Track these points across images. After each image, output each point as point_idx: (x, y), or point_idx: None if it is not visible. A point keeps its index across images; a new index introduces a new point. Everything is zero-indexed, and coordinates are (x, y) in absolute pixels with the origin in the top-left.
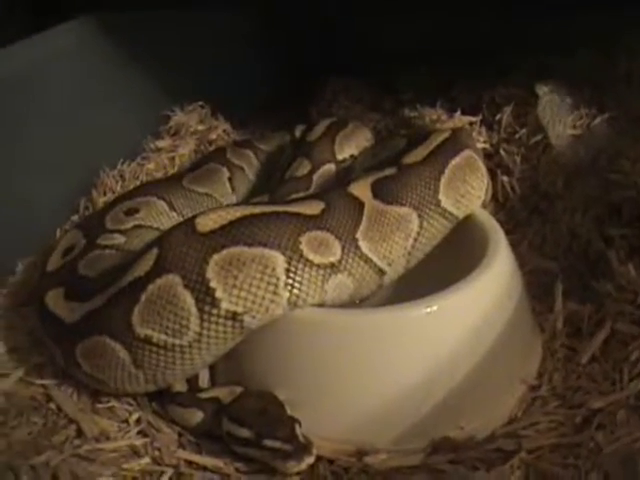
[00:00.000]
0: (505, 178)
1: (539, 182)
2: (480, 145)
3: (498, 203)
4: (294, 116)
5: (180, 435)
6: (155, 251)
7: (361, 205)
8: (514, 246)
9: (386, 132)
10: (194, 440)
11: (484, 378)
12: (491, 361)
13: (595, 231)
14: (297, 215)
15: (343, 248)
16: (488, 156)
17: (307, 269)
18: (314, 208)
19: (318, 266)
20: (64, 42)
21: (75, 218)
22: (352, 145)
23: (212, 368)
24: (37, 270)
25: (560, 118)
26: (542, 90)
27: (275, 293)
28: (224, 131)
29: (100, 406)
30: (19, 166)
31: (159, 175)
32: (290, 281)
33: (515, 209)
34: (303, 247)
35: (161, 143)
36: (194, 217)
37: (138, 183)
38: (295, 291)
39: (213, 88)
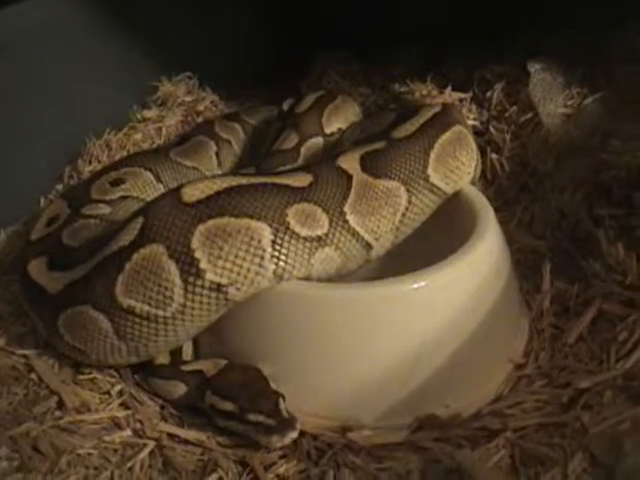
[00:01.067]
0: (494, 156)
1: (528, 160)
2: (470, 122)
3: (487, 181)
4: (283, 90)
5: (162, 408)
6: (140, 220)
7: (349, 178)
8: (502, 224)
9: (376, 107)
10: (176, 413)
11: (471, 356)
12: (478, 339)
13: (584, 210)
14: (285, 187)
15: (330, 221)
16: (478, 133)
17: (294, 242)
18: (302, 180)
19: (305, 239)
20: (50, 9)
21: (60, 187)
22: (340, 119)
23: (196, 341)
24: (20, 239)
25: (551, 96)
26: (534, 68)
27: (261, 265)
28: (212, 102)
29: (82, 377)
30: (3, 134)
31: (146, 145)
32: (276, 253)
33: (504, 187)
34: (290, 219)
35: (148, 113)
36: (180, 187)
37: (125, 153)
38: (281, 264)
39: (202, 59)
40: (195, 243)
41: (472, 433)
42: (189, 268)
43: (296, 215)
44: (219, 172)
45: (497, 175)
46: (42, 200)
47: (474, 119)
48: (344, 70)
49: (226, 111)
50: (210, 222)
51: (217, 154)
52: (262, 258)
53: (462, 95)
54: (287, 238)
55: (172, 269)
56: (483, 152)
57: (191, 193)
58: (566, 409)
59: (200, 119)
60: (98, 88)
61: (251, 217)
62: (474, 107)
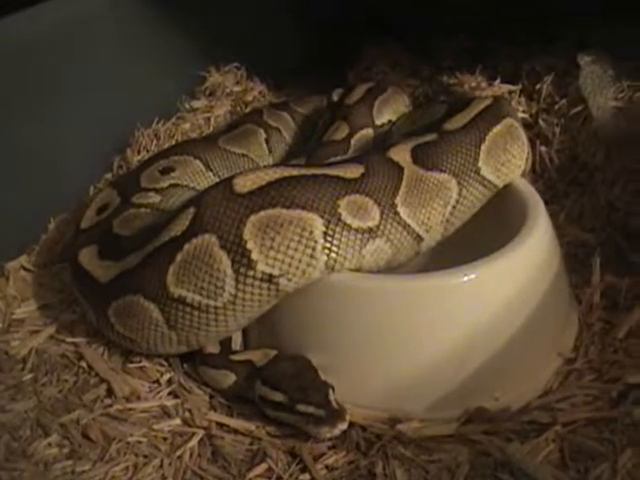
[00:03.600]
0: (543, 149)
1: (578, 153)
2: (519, 115)
3: (536, 174)
4: (331, 80)
5: (211, 397)
6: (192, 210)
7: (400, 170)
8: (551, 217)
9: (424, 99)
10: (225, 402)
11: (520, 349)
12: (528, 332)
13: (634, 204)
14: (336, 178)
15: (382, 213)
16: (527, 126)
17: (345, 233)
18: (353, 172)
19: (356, 230)
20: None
21: (109, 176)
22: (390, 110)
23: (245, 331)
24: (69, 228)
25: (602, 89)
26: (584, 60)
27: (312, 256)
28: (260, 93)
29: (131, 366)
30: (53, 124)
31: (194, 135)
32: (328, 245)
33: (553, 180)
34: (342, 211)
35: (197, 103)
36: (232, 177)
37: (173, 142)
38: (332, 255)
39: (250, 50)
40: (247, 234)
41: (521, 427)
42: (241, 259)
43: (348, 206)
44: (270, 159)
45: (546, 168)
46: (91, 189)
47: (523, 112)
48: (392, 61)
49: (274, 101)
50: (262, 213)
51: (267, 141)
52: (314, 249)
53: (511, 87)
54: (339, 229)
55: (224, 259)
56: (532, 145)
57: (243, 183)
58: (616, 404)
59: (248, 109)
60: (147, 78)
61: (303, 208)
62: (523, 99)
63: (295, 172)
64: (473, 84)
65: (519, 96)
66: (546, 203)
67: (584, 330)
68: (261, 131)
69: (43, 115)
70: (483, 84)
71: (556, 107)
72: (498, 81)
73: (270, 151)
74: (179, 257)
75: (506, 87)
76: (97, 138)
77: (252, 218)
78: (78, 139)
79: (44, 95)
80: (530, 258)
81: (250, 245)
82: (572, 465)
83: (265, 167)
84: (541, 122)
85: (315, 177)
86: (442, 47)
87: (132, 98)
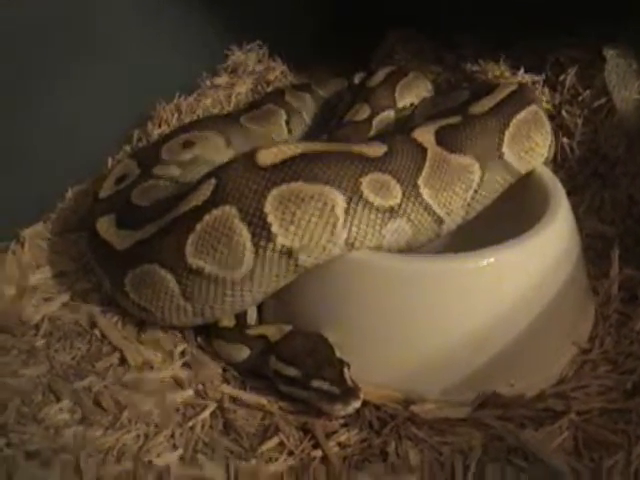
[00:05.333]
0: (565, 140)
1: (600, 145)
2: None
3: (557, 164)
4: (353, 64)
5: (225, 370)
6: (213, 181)
7: (424, 151)
8: (571, 209)
9: (447, 85)
10: (238, 376)
11: (537, 336)
12: (545, 319)
13: None
14: (359, 156)
15: (404, 193)
16: (550, 117)
17: (367, 211)
18: (377, 150)
19: (378, 209)
20: None
21: (127, 148)
22: (412, 94)
23: (261, 306)
24: (86, 198)
25: (626, 83)
26: (609, 54)
27: (333, 233)
28: (282, 73)
29: (145, 336)
30: (75, 94)
31: (215, 111)
32: (349, 222)
33: (574, 171)
34: (364, 188)
35: (218, 80)
36: (254, 150)
37: (194, 118)
38: (353, 232)
39: (273, 29)
40: (268, 207)
41: (535, 413)
42: (261, 232)
43: (370, 184)
44: (289, 140)
45: (567, 159)
46: (110, 161)
47: (546, 102)
48: (415, 47)
49: (296, 81)
50: (284, 186)
51: (287, 122)
52: (334, 226)
53: (535, 77)
54: (360, 207)
55: (243, 232)
56: (555, 136)
57: (265, 157)
58: (631, 395)
59: (270, 88)
60: (169, 54)
61: (325, 184)
62: (547, 90)
63: (318, 147)
64: (497, 73)
65: (542, 87)
66: (566, 194)
67: (600, 321)
68: (282, 112)
69: (65, 85)
70: (507, 73)
71: (579, 99)
72: (522, 71)
73: (290, 132)
74: (198, 227)
75: (530, 77)
76: (118, 110)
77: (274, 191)
78: (99, 110)
79: (67, 65)
80: (550, 246)
81: (270, 218)
82: (586, 454)
83: (288, 142)
84: (564, 113)
85: (338, 154)
86: (465, 36)
87: (154, 73)
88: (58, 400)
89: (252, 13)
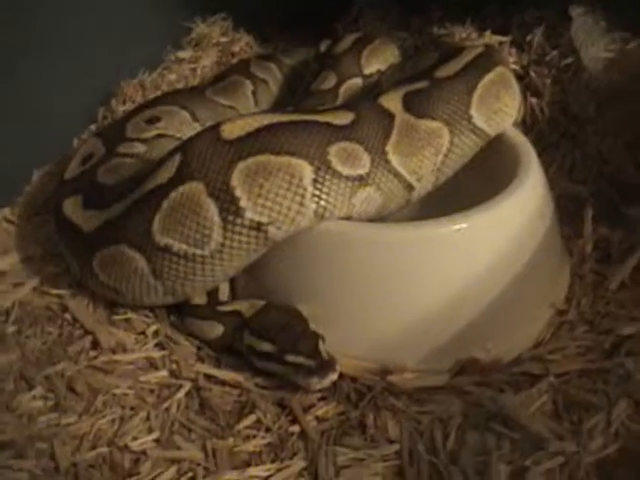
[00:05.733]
0: (534, 100)
1: (569, 105)
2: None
3: (526, 126)
4: (318, 32)
5: (199, 349)
6: (178, 157)
7: (391, 117)
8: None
9: (414, 50)
10: (213, 354)
11: (512, 300)
12: (520, 283)
13: (626, 156)
14: (326, 124)
15: (372, 161)
16: (518, 78)
17: (335, 180)
18: (343, 118)
19: (346, 178)
20: None
21: (93, 127)
22: (379, 60)
23: (233, 281)
24: (53, 179)
25: (593, 40)
26: (575, 12)
27: (301, 204)
28: (247, 44)
29: (116, 317)
30: (36, 75)
31: (180, 86)
32: (317, 192)
33: (544, 132)
34: (331, 158)
35: (183, 54)
36: (219, 124)
37: (159, 93)
38: (322, 202)
39: (235, 0)
40: (235, 181)
41: (513, 378)
42: (229, 206)
43: (338, 153)
44: (256, 111)
45: (537, 120)
46: (75, 141)
47: (514, 63)
48: (381, 13)
49: (261, 52)
50: (250, 159)
51: (254, 93)
52: (303, 197)
53: (502, 39)
54: (328, 177)
55: (211, 207)
56: (523, 97)
57: (230, 130)
58: (609, 355)
59: (235, 60)
60: (131, 29)
61: (292, 155)
62: (514, 51)
63: (284, 118)
64: (463, 35)
65: (510, 47)
66: (537, 155)
67: (576, 282)
68: (248, 82)
69: (25, 66)
70: (473, 35)
71: (547, 58)
72: (488, 32)
73: (256, 103)
74: (165, 205)
75: (496, 38)
76: (81, 89)
77: (240, 165)
78: (62, 90)
79: (26, 46)
80: (522, 208)
81: (238, 192)
82: (566, 416)
83: (253, 113)
84: (532, 73)
85: (305, 123)
86: (432, 2)
87: (117, 49)
88: (31, 387)
89: None
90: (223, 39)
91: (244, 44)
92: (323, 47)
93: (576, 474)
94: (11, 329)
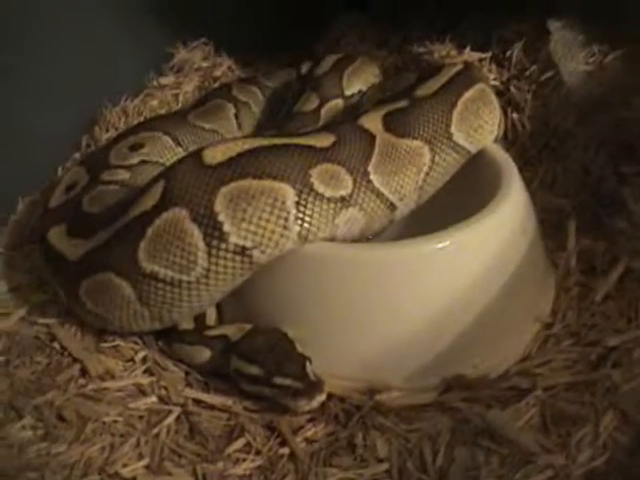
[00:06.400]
0: (515, 115)
1: (550, 119)
2: (490, 82)
3: (508, 141)
4: (300, 54)
5: (187, 374)
6: (161, 184)
7: (372, 138)
8: (525, 184)
9: (394, 70)
10: (201, 379)
11: (498, 315)
12: (505, 298)
13: (608, 168)
14: (307, 147)
15: (354, 181)
16: (498, 94)
17: (318, 202)
18: (324, 140)
19: (329, 200)
20: None
21: (77, 155)
22: (360, 80)
23: (219, 306)
24: (38, 208)
25: (572, 54)
26: (554, 26)
27: (285, 227)
28: (229, 68)
29: (105, 345)
30: (18, 104)
31: (163, 112)
32: (300, 215)
33: (525, 147)
34: (314, 180)
35: (164, 80)
36: (201, 149)
37: (142, 119)
38: (306, 225)
39: (217, 25)
40: (218, 206)
41: (501, 393)
42: (212, 231)
43: (320, 176)
44: (239, 134)
45: (518, 135)
46: (60, 169)
47: (494, 79)
48: (361, 32)
49: (243, 76)
50: (233, 184)
51: (236, 116)
52: (286, 220)
53: (481, 55)
54: (311, 199)
55: (195, 233)
56: (504, 112)
57: (212, 155)
58: (595, 367)
59: (217, 84)
60: (113, 56)
61: (274, 178)
62: (494, 67)
63: (265, 142)
64: (443, 53)
65: (489, 64)
66: (519, 170)
67: (561, 294)
68: (230, 106)
69: (7, 95)
70: (453, 52)
71: (527, 73)
72: (468, 49)
73: (239, 126)
74: (150, 232)
75: (476, 55)
76: (63, 117)
77: (223, 190)
78: (44, 119)
79: (8, 75)
80: (505, 223)
81: (222, 217)
82: (554, 429)
83: (235, 138)
84: (512, 89)
85: (286, 146)
86: (410, 18)
87: (99, 76)
88: (20, 417)
89: (195, 11)
90: (205, 64)
91: (226, 68)
92: (304, 69)
93: None
94: None
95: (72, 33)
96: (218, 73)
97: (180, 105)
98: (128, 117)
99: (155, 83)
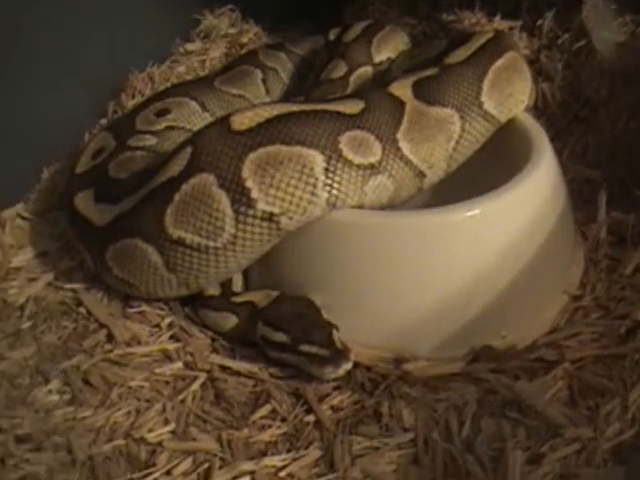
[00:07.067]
0: (546, 85)
1: (581, 89)
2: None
3: (538, 111)
4: (327, 21)
5: (213, 340)
6: (189, 150)
7: (402, 105)
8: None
9: (423, 37)
10: (227, 345)
11: (526, 286)
12: (534, 268)
13: (639, 139)
14: (336, 114)
15: (383, 149)
16: (529, 62)
17: (346, 169)
18: (354, 107)
19: (358, 166)
20: None
21: (103, 122)
22: (389, 47)
23: (246, 272)
24: (64, 175)
25: (605, 24)
26: None
27: (313, 194)
28: (255, 34)
29: (131, 311)
30: (45, 70)
31: (189, 78)
32: (329, 181)
33: (556, 117)
34: (342, 147)
35: (191, 46)
36: (229, 115)
37: (168, 86)
38: (334, 192)
39: None
40: (246, 172)
41: (529, 364)
42: (240, 198)
43: (349, 142)
44: (267, 100)
45: (549, 105)
46: (86, 135)
47: (525, 48)
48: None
49: (270, 42)
50: (261, 150)
51: (264, 81)
52: (314, 186)
53: (512, 23)
54: (340, 166)
55: (223, 199)
56: (535, 82)
57: (240, 121)
58: (624, 341)
59: (244, 51)
60: (140, 22)
61: (303, 144)
62: (524, 35)
63: (294, 108)
64: (473, 20)
65: (520, 32)
66: (549, 140)
67: (590, 267)
68: (257, 72)
69: (35, 62)
70: (483, 20)
71: (558, 42)
72: (498, 17)
73: (267, 92)
74: (177, 198)
75: (507, 23)
76: (90, 84)
77: (251, 156)
78: (71, 85)
79: (35, 42)
80: (535, 193)
81: (249, 183)
82: (581, 402)
83: (263, 104)
84: (543, 58)
85: (315, 113)
86: None
87: (125, 42)
88: (46, 382)
89: None
90: (231, 30)
91: (253, 35)
92: (332, 35)
93: (592, 460)
94: (26, 324)
95: (99, 1)
96: (245, 40)
97: (207, 71)
98: (154, 83)
99: (181, 49)
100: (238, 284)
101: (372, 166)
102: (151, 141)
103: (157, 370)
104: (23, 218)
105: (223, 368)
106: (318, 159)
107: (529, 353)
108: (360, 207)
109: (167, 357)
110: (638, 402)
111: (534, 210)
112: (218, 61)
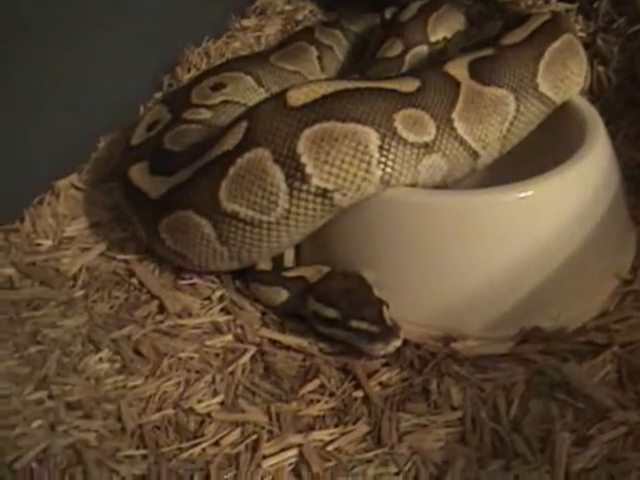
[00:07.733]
0: (601, 68)
1: (637, 73)
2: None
3: (593, 94)
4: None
5: (263, 314)
6: (244, 124)
7: (457, 85)
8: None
9: (479, 17)
10: (278, 319)
11: (578, 269)
12: (585, 251)
13: None
14: (392, 92)
15: (438, 128)
16: (584, 45)
17: (401, 147)
18: (409, 85)
19: (412, 145)
20: None
21: (159, 95)
22: (445, 27)
23: (298, 247)
24: (119, 146)
25: None
26: None
27: (367, 171)
28: (311, 12)
29: (182, 283)
30: (103, 43)
31: (245, 54)
32: (383, 159)
33: (610, 101)
34: (397, 124)
35: (247, 22)
36: (285, 90)
37: (223, 61)
38: (388, 169)
39: None
40: (301, 148)
41: (578, 347)
42: (295, 173)
43: (403, 120)
44: (322, 77)
45: (604, 88)
46: (141, 108)
47: (580, 30)
48: None
49: (325, 20)
50: (316, 126)
51: (319, 58)
52: (369, 163)
53: (568, 6)
54: (394, 143)
55: (277, 174)
56: (590, 65)
57: (296, 97)
58: None
59: (299, 28)
60: None
61: (358, 121)
62: (580, 18)
63: (350, 85)
64: (529, 2)
65: (576, 15)
66: (604, 123)
67: None
68: (313, 48)
69: (93, 34)
70: (539, 2)
71: (614, 26)
72: (554, 0)
73: (322, 69)
74: (232, 171)
75: (563, 5)
76: (147, 57)
77: (306, 132)
78: (128, 58)
79: (95, 14)
80: (588, 177)
81: (304, 159)
82: (630, 386)
83: (318, 80)
84: (599, 41)
85: (370, 90)
86: None
87: (181, 17)
88: (98, 350)
89: None
90: (287, 7)
91: (308, 12)
92: (388, 14)
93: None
94: (79, 293)
95: None
96: (300, 17)
97: (262, 48)
98: (210, 58)
99: (237, 25)
100: (290, 259)
101: (426, 145)
102: (206, 115)
103: (207, 342)
104: (77, 188)
105: (273, 342)
106: (373, 136)
107: (578, 336)
108: (413, 185)
109: (217, 329)
110: None
111: (586, 193)
112: (273, 38)
